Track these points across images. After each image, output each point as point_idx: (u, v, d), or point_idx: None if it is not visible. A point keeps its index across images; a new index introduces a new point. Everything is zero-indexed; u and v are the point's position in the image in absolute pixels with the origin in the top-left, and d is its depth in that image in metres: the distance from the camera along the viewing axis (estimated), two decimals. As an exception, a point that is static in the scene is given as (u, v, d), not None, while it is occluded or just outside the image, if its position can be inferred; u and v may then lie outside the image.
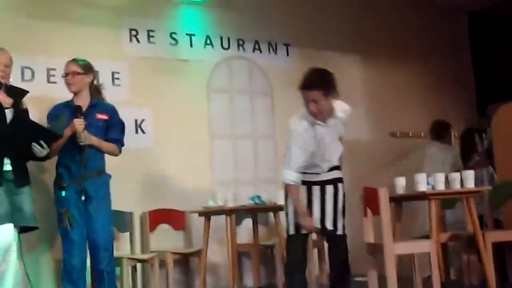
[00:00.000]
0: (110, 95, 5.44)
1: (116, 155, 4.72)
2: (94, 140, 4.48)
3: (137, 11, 5.84)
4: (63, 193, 4.45)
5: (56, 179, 4.55)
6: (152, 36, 5.89)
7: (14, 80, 4.36)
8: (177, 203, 5.68)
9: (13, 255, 3.92)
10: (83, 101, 4.59)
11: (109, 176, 4.66)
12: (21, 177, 4.11)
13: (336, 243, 4.17)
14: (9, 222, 3.91)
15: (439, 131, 6.53)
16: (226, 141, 6.21)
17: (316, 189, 4.16)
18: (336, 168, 4.25)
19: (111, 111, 4.71)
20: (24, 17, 5.24)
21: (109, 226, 4.58)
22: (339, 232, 4.11)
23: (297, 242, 4.13)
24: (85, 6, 5.57)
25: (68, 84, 4.60)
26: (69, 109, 4.52)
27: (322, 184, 4.16)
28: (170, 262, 5.28)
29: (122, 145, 4.73)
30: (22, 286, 4.04)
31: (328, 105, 4.03)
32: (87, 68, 4.65)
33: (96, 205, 4.49)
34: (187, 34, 6.09)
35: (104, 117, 4.62)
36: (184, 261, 5.61)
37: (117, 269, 4.79)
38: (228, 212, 5.20)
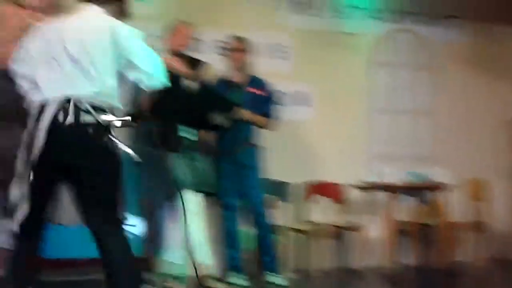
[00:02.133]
0: (273, 68, 5.59)
1: (267, 128, 4.85)
2: (248, 114, 4.64)
3: (302, -17, 5.86)
4: (217, 163, 4.65)
5: (212, 151, 4.75)
6: (317, 9, 5.88)
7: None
8: (335, 176, 5.67)
9: (199, 220, 4.20)
10: (239, 76, 4.76)
11: (259, 148, 4.80)
12: (200, 145, 4.44)
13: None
14: (196, 189, 4.22)
15: None
16: (385, 116, 6.08)
17: None
18: None
19: (264, 85, 4.86)
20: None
21: (261, 194, 4.72)
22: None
23: None
24: (249, -21, 5.67)
25: (230, 60, 4.77)
26: (226, 85, 4.71)
27: None
28: (328, 235, 5.31)
29: (274, 118, 4.84)
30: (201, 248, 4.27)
31: None
32: (248, 46, 4.81)
33: (247, 174, 4.66)
34: (351, 7, 6.00)
35: (259, 91, 4.78)
36: (341, 234, 5.61)
37: (276, 238, 4.90)
38: (388, 188, 5.11)
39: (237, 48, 4.76)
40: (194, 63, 4.49)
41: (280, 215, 5.39)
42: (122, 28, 2.86)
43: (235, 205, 4.68)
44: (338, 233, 5.57)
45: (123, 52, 2.81)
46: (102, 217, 2.83)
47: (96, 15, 2.91)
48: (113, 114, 2.78)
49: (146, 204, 4.85)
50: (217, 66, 5.08)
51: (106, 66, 2.77)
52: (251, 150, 4.75)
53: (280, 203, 5.44)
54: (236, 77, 4.77)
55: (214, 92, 4.60)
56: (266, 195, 4.82)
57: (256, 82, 4.83)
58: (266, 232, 4.67)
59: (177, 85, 4.31)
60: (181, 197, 4.18)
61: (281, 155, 5.42)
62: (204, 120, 4.46)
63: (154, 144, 4.33)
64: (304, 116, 5.78)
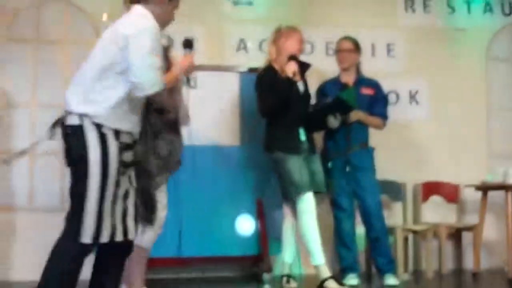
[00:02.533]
0: (385, 66, 5.58)
1: (380, 129, 4.86)
2: (361, 115, 4.66)
3: (413, -20, 5.78)
4: (330, 165, 4.69)
5: (322, 151, 4.81)
6: (428, 5, 5.78)
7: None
8: (450, 176, 5.55)
9: (313, 220, 4.25)
10: (350, 77, 4.79)
11: (373, 149, 4.81)
12: (313, 146, 4.50)
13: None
14: (311, 189, 4.27)
15: None
16: (505, 113, 5.85)
17: None
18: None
19: (376, 86, 4.86)
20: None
21: (376, 195, 4.73)
22: None
23: None
24: (360, -21, 5.67)
25: (340, 60, 4.79)
26: (337, 86, 4.73)
27: None
28: (443, 235, 5.21)
29: (386, 118, 4.84)
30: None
31: None
32: (358, 47, 4.83)
33: (361, 175, 4.68)
34: (464, 1, 5.83)
35: (370, 92, 4.78)
36: (457, 235, 5.49)
37: (390, 238, 4.90)
38: (508, 187, 4.94)
39: (347, 49, 4.78)
40: (303, 66, 4.55)
41: (395, 215, 5.38)
42: (126, 29, 2.80)
43: (349, 205, 4.71)
44: (454, 233, 5.47)
45: (122, 55, 2.78)
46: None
47: (125, 17, 2.93)
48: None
49: (262, 204, 5.01)
50: (327, 67, 5.15)
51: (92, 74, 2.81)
52: (365, 151, 4.76)
53: (394, 203, 5.42)
54: (347, 78, 4.79)
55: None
56: (380, 196, 4.82)
57: (367, 82, 4.83)
58: (380, 234, 4.67)
59: (293, 89, 4.36)
60: (297, 197, 4.26)
61: (395, 155, 5.39)
62: (319, 122, 4.53)
63: (274, 146, 4.44)
64: (419, 115, 5.70)
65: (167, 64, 3.51)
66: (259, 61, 4.85)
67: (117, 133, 2.81)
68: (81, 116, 2.77)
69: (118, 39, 2.79)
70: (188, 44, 3.66)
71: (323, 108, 4.56)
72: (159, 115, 3.47)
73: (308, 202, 4.24)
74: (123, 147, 2.85)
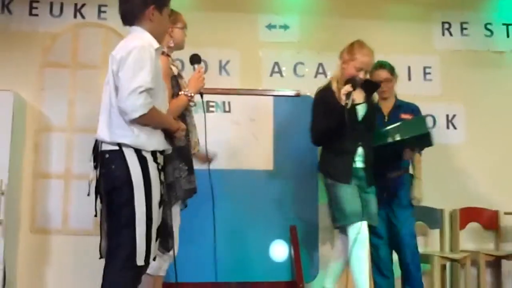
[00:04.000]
0: (421, 90, 5.50)
1: (420, 154, 4.72)
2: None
3: (450, 4, 5.70)
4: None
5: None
6: (465, 29, 5.69)
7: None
8: (489, 202, 5.42)
9: (365, 250, 4.01)
10: (389, 104, 4.67)
11: (411, 176, 4.69)
12: (371, 176, 4.19)
13: None
14: (362, 219, 4.00)
15: None
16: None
17: None
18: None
19: (415, 111, 4.73)
20: (337, 17, 5.52)
21: (410, 224, 4.60)
22: None
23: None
24: (395, 2, 5.63)
25: (381, 91, 4.52)
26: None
27: None
28: (482, 263, 5.07)
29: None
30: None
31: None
32: (394, 71, 4.69)
33: (396, 202, 4.56)
34: (503, 24, 5.73)
35: (408, 117, 4.65)
36: (496, 263, 5.34)
37: (427, 266, 4.78)
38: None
39: (386, 79, 4.62)
40: (370, 86, 4.21)
41: (432, 243, 5.25)
42: (118, 54, 2.85)
43: (386, 232, 4.58)
44: (494, 261, 5.31)
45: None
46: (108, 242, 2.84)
47: (121, 42, 2.97)
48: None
49: (296, 230, 4.93)
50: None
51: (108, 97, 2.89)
52: (403, 176, 4.66)
53: (431, 230, 5.29)
54: (386, 104, 4.67)
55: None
56: (416, 223, 4.71)
57: (406, 106, 4.71)
58: (412, 264, 4.49)
59: (346, 117, 3.92)
60: (348, 226, 4.10)
61: (432, 180, 5.25)
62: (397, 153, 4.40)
63: (327, 172, 4.19)
64: (456, 139, 5.58)
65: (178, 90, 3.46)
66: (293, 84, 4.81)
67: (154, 154, 2.83)
68: (118, 143, 2.80)
69: (113, 65, 2.84)
70: (195, 59, 3.60)
71: (408, 141, 4.29)
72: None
73: (359, 232, 3.94)
74: (160, 169, 2.86)
